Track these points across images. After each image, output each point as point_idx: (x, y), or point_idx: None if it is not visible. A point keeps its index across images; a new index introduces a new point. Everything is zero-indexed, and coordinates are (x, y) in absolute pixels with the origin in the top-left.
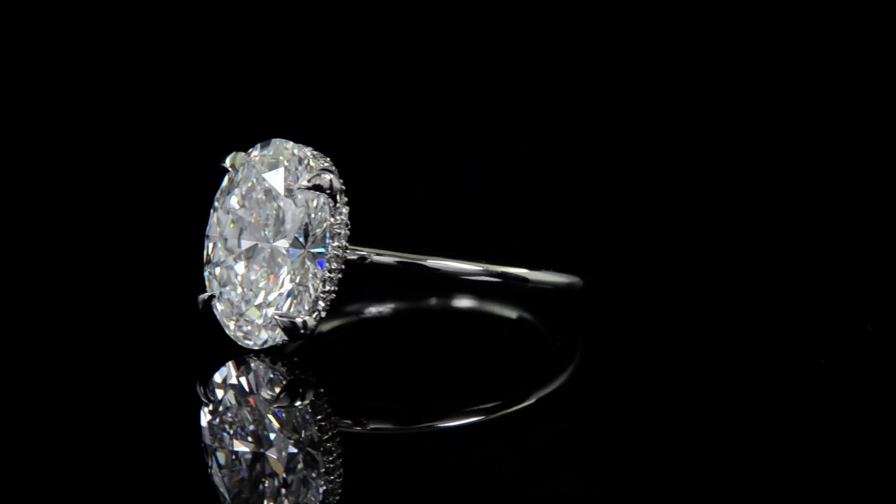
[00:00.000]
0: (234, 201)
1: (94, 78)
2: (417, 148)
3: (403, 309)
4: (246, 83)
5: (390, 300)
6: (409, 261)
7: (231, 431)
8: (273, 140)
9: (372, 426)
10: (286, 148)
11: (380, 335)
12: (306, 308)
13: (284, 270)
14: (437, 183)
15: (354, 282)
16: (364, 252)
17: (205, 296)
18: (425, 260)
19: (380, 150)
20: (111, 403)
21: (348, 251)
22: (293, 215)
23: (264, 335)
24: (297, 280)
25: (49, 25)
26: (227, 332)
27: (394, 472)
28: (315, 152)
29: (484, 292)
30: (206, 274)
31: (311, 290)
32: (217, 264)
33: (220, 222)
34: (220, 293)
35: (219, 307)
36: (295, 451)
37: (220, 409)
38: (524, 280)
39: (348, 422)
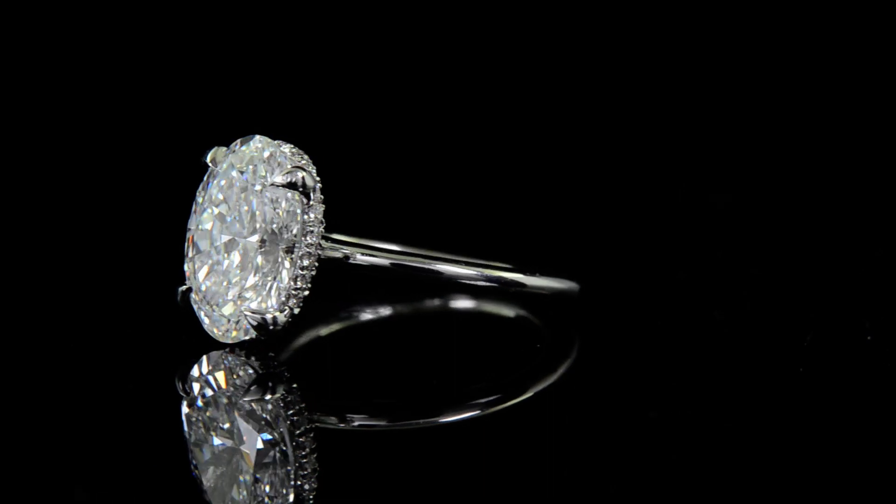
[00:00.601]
0: (212, 196)
1: (86, 74)
2: (417, 147)
3: (402, 312)
4: (243, 76)
5: (388, 302)
6: (406, 263)
7: (205, 425)
8: (253, 136)
9: (358, 423)
10: (263, 144)
11: (377, 338)
12: (276, 304)
13: (256, 266)
14: (435, 181)
15: (350, 283)
16: (347, 251)
17: (183, 288)
18: (421, 263)
19: (379, 149)
20: (94, 395)
21: (329, 249)
22: (264, 212)
23: (236, 330)
24: (269, 276)
25: (29, 23)
26: (203, 325)
27: (375, 469)
28: (294, 149)
29: (480, 294)
30: (185, 267)
31: (283, 287)
32: (195, 258)
33: (199, 216)
34: (200, 286)
35: (196, 300)
36: (265, 446)
37: (195, 402)
38: (521, 285)
39: (333, 419)
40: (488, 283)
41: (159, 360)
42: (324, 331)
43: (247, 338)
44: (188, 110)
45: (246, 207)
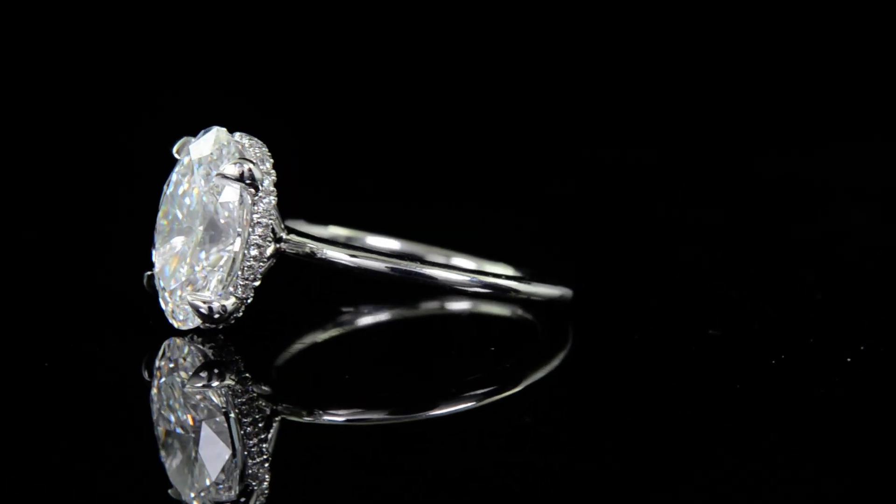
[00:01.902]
0: (170, 186)
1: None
2: (416, 145)
3: (399, 316)
4: (248, 73)
5: (386, 306)
6: (402, 268)
7: (160, 411)
8: (212, 127)
9: (326, 417)
10: (221, 135)
11: (374, 343)
12: (221, 293)
13: (204, 255)
14: (432, 178)
15: (347, 285)
16: (313, 245)
17: (149, 273)
18: (417, 267)
19: (379, 148)
20: (62, 381)
21: (292, 244)
22: (211, 202)
23: (185, 317)
24: (215, 265)
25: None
26: (164, 312)
27: (335, 462)
28: (253, 141)
29: (473, 297)
30: (152, 253)
31: (229, 276)
32: (156, 246)
33: (164, 206)
34: (163, 273)
35: (159, 286)
36: (212, 433)
37: (154, 388)
38: (515, 291)
39: (303, 412)
40: (482, 290)
41: (131, 345)
42: (321, 336)
43: (194, 326)
44: (189, 107)
45: (195, 198)
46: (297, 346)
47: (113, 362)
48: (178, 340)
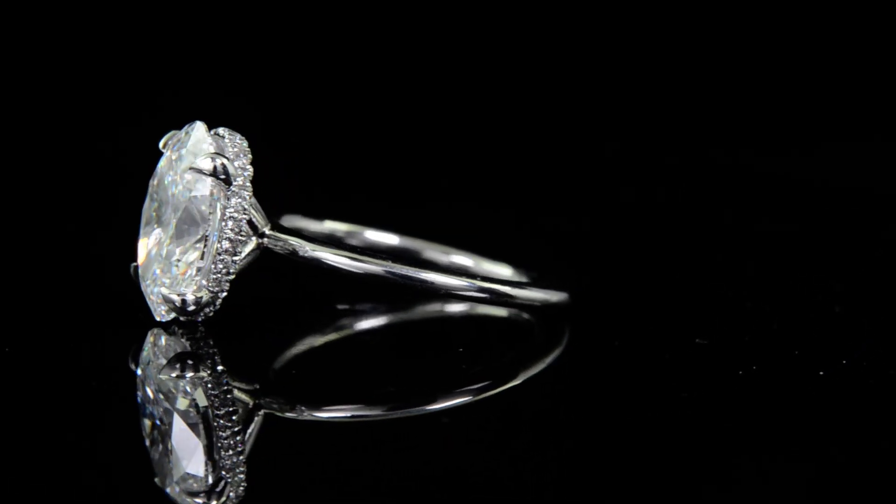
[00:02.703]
0: (153, 180)
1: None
2: (417, 143)
3: (397, 321)
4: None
5: (383, 305)
6: (398, 272)
7: (142, 402)
8: (194, 122)
9: (308, 413)
10: (200, 130)
11: (372, 347)
12: (193, 286)
13: (178, 248)
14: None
15: (347, 282)
16: (295, 243)
17: (135, 264)
18: (412, 271)
19: (380, 146)
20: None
21: (271, 239)
22: (184, 196)
23: (160, 308)
24: (188, 258)
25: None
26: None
27: (318, 457)
28: (231, 135)
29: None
30: (139, 244)
31: (200, 269)
32: (141, 237)
33: (148, 199)
34: (144, 265)
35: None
36: (185, 424)
37: (138, 380)
38: (512, 297)
39: (286, 407)
40: (479, 294)
41: (122, 337)
42: (319, 340)
43: (172, 318)
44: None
45: (171, 191)
46: (294, 350)
47: (102, 353)
48: (161, 332)
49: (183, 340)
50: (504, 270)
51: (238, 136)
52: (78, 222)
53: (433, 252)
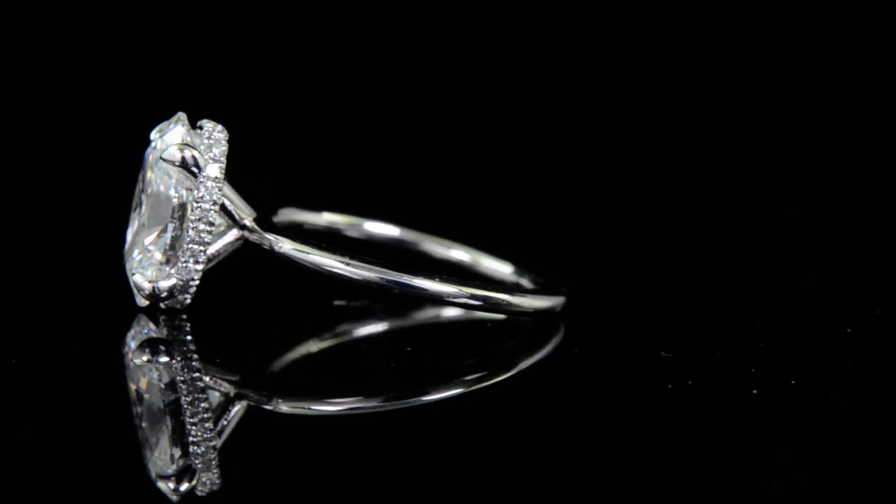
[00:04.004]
0: (141, 171)
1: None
2: (417, 142)
3: (396, 327)
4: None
5: (382, 317)
6: (392, 278)
7: (131, 387)
8: (177, 113)
9: (284, 406)
10: (178, 121)
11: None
12: (162, 273)
13: (149, 237)
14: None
15: (339, 293)
16: (271, 238)
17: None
18: (404, 278)
19: (381, 144)
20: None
21: (249, 232)
22: (157, 186)
23: (137, 294)
24: (158, 246)
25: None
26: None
27: (296, 449)
28: (212, 125)
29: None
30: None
31: (168, 258)
32: (130, 223)
33: (137, 185)
34: (127, 253)
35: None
36: (155, 407)
37: (127, 364)
38: (506, 304)
39: (262, 396)
40: (472, 302)
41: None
42: (314, 346)
43: (146, 303)
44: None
45: (148, 178)
46: (292, 355)
47: (93, 338)
48: (145, 318)
49: (164, 328)
50: (504, 268)
51: (218, 127)
52: (76, 218)
53: (433, 244)
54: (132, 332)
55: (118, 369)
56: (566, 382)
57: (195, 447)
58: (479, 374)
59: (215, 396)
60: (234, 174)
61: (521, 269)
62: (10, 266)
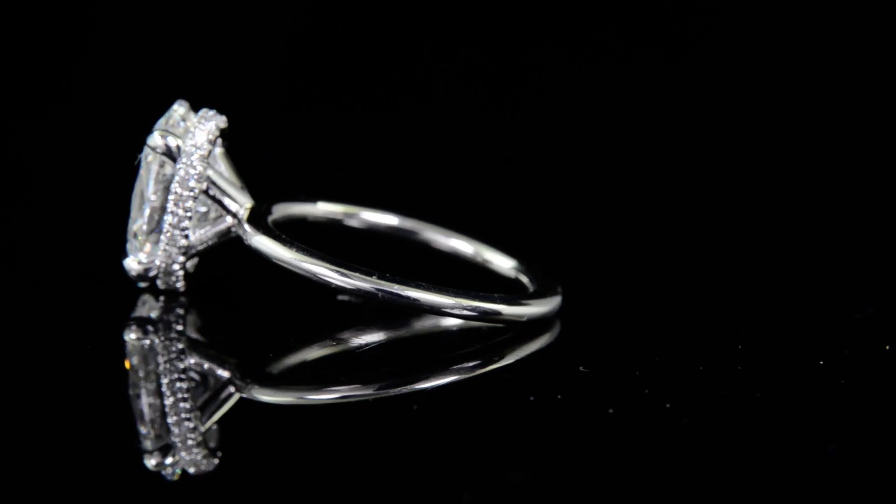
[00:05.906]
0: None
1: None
2: (418, 141)
3: (395, 337)
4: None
5: (380, 327)
6: (385, 289)
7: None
8: (178, 100)
9: (256, 393)
10: (181, 108)
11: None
12: (143, 255)
13: (138, 219)
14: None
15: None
16: (248, 229)
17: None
18: (397, 288)
19: (382, 142)
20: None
21: (235, 224)
22: (143, 171)
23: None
24: (141, 229)
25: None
26: None
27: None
28: (206, 112)
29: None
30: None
31: (148, 240)
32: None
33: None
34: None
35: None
36: (141, 387)
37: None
38: (499, 314)
39: (240, 383)
40: (467, 312)
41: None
42: (311, 355)
43: (143, 284)
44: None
45: (143, 167)
46: (291, 359)
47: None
48: (150, 298)
49: (157, 310)
50: (505, 261)
51: (209, 114)
52: (85, 211)
53: (433, 233)
54: (137, 313)
55: (113, 347)
56: (561, 376)
57: (177, 427)
58: (473, 363)
59: (204, 381)
60: (241, 167)
61: (521, 264)
62: (12, 258)
